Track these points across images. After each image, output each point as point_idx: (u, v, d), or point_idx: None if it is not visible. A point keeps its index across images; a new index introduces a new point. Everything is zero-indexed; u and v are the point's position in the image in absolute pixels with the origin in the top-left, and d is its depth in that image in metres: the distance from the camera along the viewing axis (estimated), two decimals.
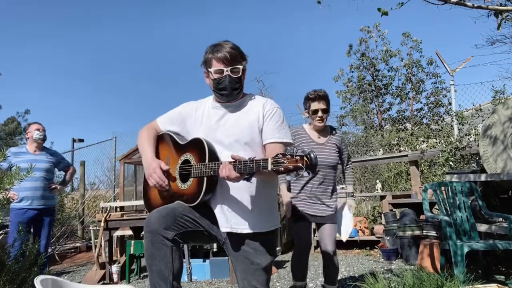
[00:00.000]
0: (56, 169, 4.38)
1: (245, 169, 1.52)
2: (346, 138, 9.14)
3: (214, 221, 1.79)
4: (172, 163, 1.87)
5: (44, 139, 4.20)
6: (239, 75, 1.82)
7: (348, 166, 3.21)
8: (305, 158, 1.34)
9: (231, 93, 1.82)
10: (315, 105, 2.94)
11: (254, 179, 1.73)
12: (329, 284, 3.00)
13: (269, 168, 1.39)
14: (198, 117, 1.91)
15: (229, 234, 1.80)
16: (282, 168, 1.35)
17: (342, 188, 3.28)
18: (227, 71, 1.79)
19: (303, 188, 2.97)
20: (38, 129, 4.15)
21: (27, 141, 4.23)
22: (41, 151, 4.20)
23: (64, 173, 4.48)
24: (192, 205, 1.75)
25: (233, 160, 1.56)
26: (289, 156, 1.36)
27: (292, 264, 3.07)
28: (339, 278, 4.22)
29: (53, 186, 4.16)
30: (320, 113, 2.93)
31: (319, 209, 2.94)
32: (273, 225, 1.83)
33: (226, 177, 1.57)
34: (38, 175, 3.98)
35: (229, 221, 1.76)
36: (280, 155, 1.38)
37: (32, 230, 4.06)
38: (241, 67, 1.82)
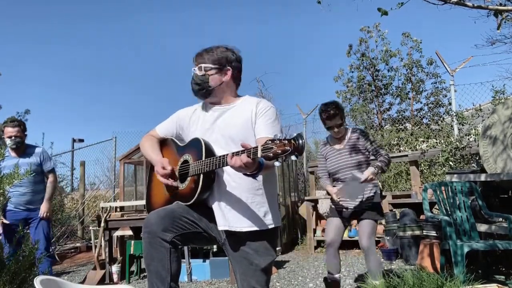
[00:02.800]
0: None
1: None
2: None
3: (212, 221, 1.79)
4: (174, 165, 1.88)
5: (17, 145, 3.84)
6: (202, 73, 1.84)
7: (381, 155, 3.05)
8: (292, 141, 1.35)
9: (195, 92, 1.88)
10: (329, 123, 3.14)
11: (260, 177, 1.73)
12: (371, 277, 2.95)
13: (259, 155, 1.40)
14: (195, 120, 1.94)
15: (228, 234, 1.79)
16: (271, 154, 1.36)
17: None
18: (193, 69, 1.85)
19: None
20: (10, 137, 3.78)
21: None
22: (22, 153, 3.91)
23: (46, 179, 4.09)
24: (189, 203, 1.75)
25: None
26: (277, 141, 1.37)
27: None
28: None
29: (43, 215, 3.87)
30: (335, 129, 3.13)
31: (348, 202, 3.01)
32: (272, 223, 1.81)
33: (238, 165, 1.49)
34: (22, 181, 3.70)
35: (226, 219, 1.75)
36: (269, 141, 1.39)
37: (30, 230, 3.97)
38: (203, 65, 1.84)
